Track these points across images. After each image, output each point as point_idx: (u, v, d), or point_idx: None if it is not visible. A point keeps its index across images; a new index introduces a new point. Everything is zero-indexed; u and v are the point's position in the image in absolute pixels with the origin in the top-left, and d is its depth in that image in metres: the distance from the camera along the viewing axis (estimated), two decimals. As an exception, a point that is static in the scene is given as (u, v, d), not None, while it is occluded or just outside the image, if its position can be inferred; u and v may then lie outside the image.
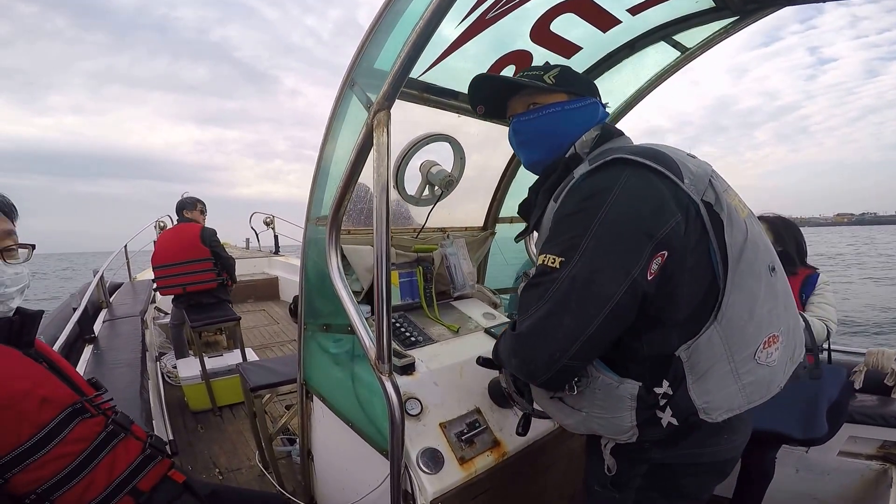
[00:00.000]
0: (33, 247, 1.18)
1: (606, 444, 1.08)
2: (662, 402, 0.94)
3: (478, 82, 1.22)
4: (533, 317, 0.92)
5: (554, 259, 0.91)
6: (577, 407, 1.04)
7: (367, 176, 1.32)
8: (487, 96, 1.24)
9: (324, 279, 1.46)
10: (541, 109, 1.12)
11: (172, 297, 3.84)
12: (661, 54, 1.88)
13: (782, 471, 2.01)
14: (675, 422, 0.94)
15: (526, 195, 1.25)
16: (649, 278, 0.88)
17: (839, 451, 2.15)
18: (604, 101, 1.20)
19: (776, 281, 1.00)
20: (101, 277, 3.87)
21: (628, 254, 0.87)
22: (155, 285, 3.72)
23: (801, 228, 2.22)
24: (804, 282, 2.16)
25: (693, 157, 1.01)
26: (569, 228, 0.93)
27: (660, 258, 0.88)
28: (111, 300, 3.95)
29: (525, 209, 1.24)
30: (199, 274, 3.71)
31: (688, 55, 1.84)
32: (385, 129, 1.19)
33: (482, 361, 1.41)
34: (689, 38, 1.79)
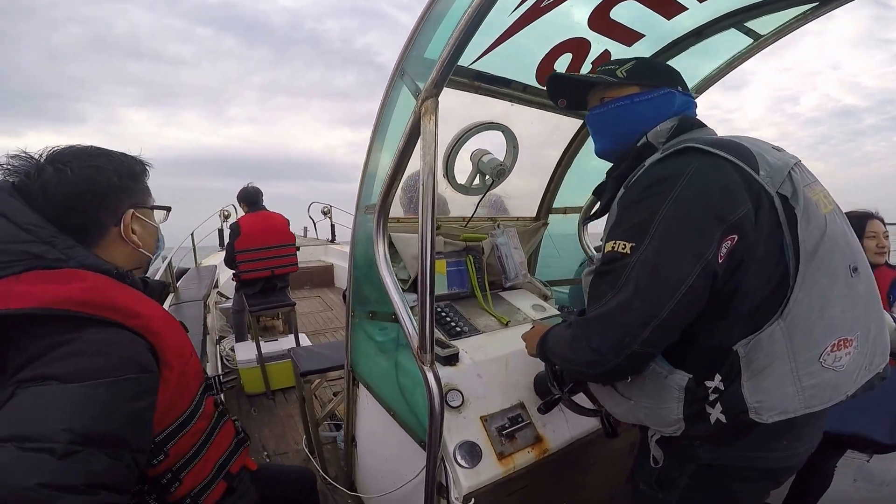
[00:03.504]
0: (168, 209, 1.13)
1: (653, 436, 1.07)
2: (713, 397, 0.92)
3: (552, 80, 1.26)
4: (606, 304, 0.91)
5: (624, 245, 0.91)
6: (627, 395, 1.04)
7: (416, 164, 1.31)
8: (567, 91, 1.27)
9: (371, 267, 1.47)
10: (609, 103, 1.14)
11: (237, 283, 3.99)
12: (731, 42, 1.77)
13: (838, 479, 1.88)
14: (723, 419, 0.92)
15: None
16: (720, 262, 0.86)
17: None
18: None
19: (858, 282, 0.94)
20: (170, 264, 4.06)
21: (700, 236, 0.86)
22: (238, 269, 3.81)
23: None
24: (892, 284, 2.06)
25: (779, 149, 0.98)
26: (637, 213, 0.92)
27: (729, 241, 0.86)
28: (178, 285, 4.15)
29: (598, 192, 1.23)
30: (286, 258, 3.97)
31: (760, 42, 1.73)
32: (433, 117, 1.17)
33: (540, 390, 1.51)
34: (763, 24, 1.67)
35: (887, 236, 2.17)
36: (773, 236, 0.89)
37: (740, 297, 0.89)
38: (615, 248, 0.92)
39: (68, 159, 0.91)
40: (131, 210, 0.98)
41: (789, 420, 0.90)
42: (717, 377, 0.92)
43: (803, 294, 0.87)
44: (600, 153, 1.24)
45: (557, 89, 1.28)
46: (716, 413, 0.92)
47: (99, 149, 0.97)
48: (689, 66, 1.89)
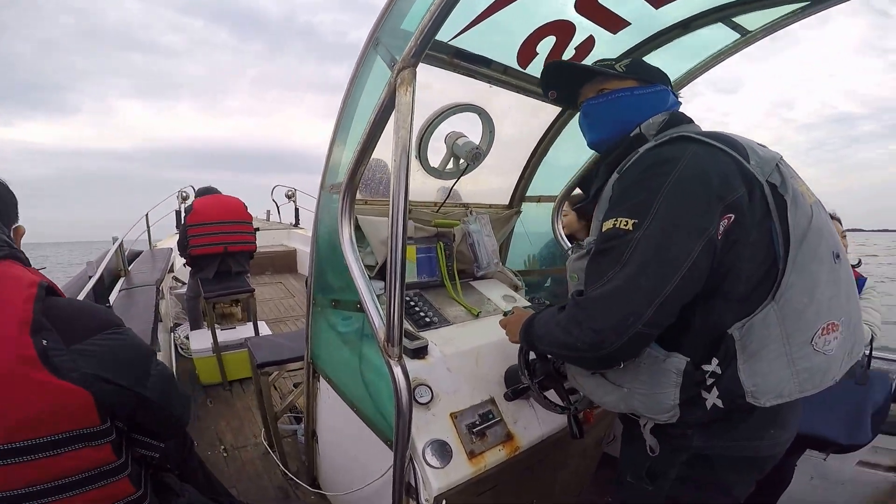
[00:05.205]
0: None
1: (646, 425, 1.06)
2: (709, 382, 0.93)
3: (550, 69, 1.26)
4: (609, 282, 0.90)
5: (626, 222, 0.91)
6: (619, 383, 1.03)
7: (386, 142, 1.22)
8: (560, 83, 1.27)
9: (335, 251, 1.36)
10: (610, 94, 1.15)
11: (191, 267, 3.82)
12: (717, 36, 1.73)
13: (796, 477, 1.91)
14: (720, 404, 0.93)
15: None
16: (718, 239, 0.88)
17: (858, 460, 2.05)
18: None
19: (840, 269, 0.98)
20: (121, 245, 3.83)
21: (702, 212, 0.87)
22: (189, 244, 3.65)
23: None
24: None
25: (763, 146, 1.01)
26: (638, 192, 0.93)
27: (726, 220, 0.89)
28: (129, 268, 3.93)
29: (586, 182, 1.26)
30: (241, 235, 3.82)
31: (748, 38, 1.69)
32: (409, 88, 1.08)
33: (511, 393, 1.46)
34: (752, 20, 1.63)
35: (844, 236, 2.18)
36: (763, 222, 0.91)
37: (733, 280, 0.91)
38: (616, 225, 0.92)
39: None
40: (21, 226, 1.11)
41: (777, 407, 0.93)
42: (714, 361, 0.92)
43: (795, 277, 0.90)
44: (593, 143, 1.24)
45: (550, 79, 1.28)
46: (712, 398, 0.93)
47: None
48: (673, 59, 1.83)
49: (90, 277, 2.84)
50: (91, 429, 0.87)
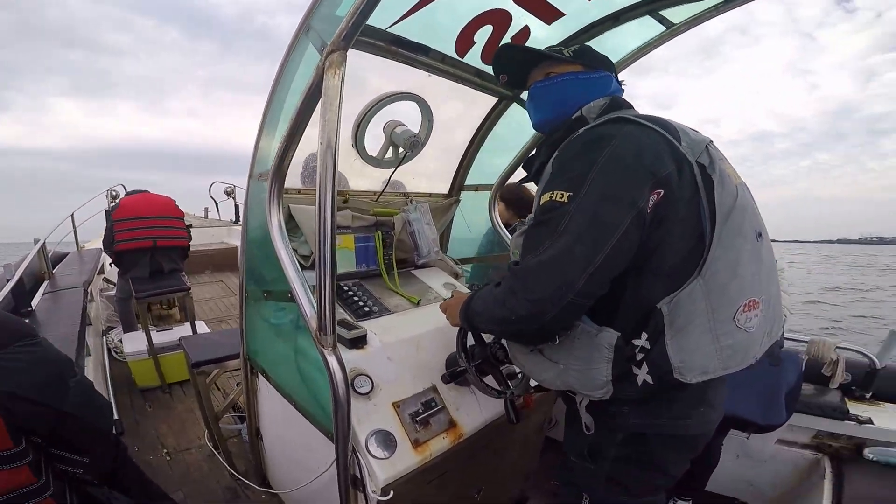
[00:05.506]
0: None
1: (581, 402, 1.10)
2: (639, 357, 0.96)
3: (502, 52, 1.28)
4: (545, 251, 0.92)
5: (562, 194, 0.94)
6: (555, 359, 1.06)
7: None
8: (510, 67, 1.30)
9: (265, 240, 1.32)
10: (556, 77, 1.18)
11: (120, 266, 3.58)
12: (645, 28, 1.79)
13: (723, 456, 2.01)
14: (650, 380, 0.96)
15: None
16: (648, 212, 0.91)
17: (777, 438, 2.16)
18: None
19: (762, 247, 1.02)
20: (43, 247, 3.59)
21: (633, 185, 0.91)
22: (114, 239, 3.41)
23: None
24: None
25: (695, 130, 1.05)
26: (574, 167, 0.96)
27: (656, 195, 0.92)
28: (54, 271, 3.69)
29: (528, 163, 1.27)
30: (172, 230, 3.60)
31: (673, 31, 1.75)
32: (338, 72, 1.05)
33: (448, 376, 1.47)
34: (677, 14, 1.70)
35: None
36: (692, 200, 0.95)
37: (662, 254, 0.94)
38: (553, 198, 0.95)
39: None
40: None
41: (704, 385, 0.97)
42: (644, 335, 0.96)
43: (720, 251, 0.93)
44: (538, 123, 1.26)
45: (501, 64, 1.30)
46: (642, 374, 0.96)
47: None
48: (604, 50, 1.87)
49: (7, 281, 2.65)
50: (4, 452, 0.84)
